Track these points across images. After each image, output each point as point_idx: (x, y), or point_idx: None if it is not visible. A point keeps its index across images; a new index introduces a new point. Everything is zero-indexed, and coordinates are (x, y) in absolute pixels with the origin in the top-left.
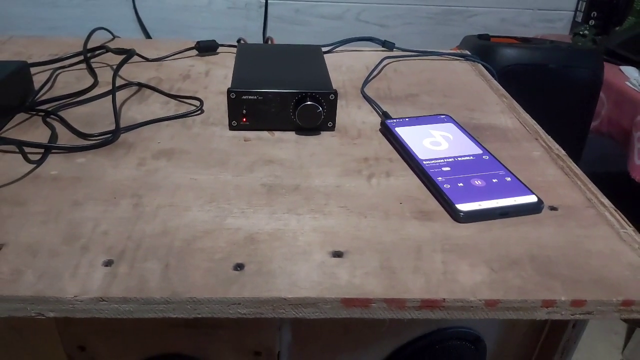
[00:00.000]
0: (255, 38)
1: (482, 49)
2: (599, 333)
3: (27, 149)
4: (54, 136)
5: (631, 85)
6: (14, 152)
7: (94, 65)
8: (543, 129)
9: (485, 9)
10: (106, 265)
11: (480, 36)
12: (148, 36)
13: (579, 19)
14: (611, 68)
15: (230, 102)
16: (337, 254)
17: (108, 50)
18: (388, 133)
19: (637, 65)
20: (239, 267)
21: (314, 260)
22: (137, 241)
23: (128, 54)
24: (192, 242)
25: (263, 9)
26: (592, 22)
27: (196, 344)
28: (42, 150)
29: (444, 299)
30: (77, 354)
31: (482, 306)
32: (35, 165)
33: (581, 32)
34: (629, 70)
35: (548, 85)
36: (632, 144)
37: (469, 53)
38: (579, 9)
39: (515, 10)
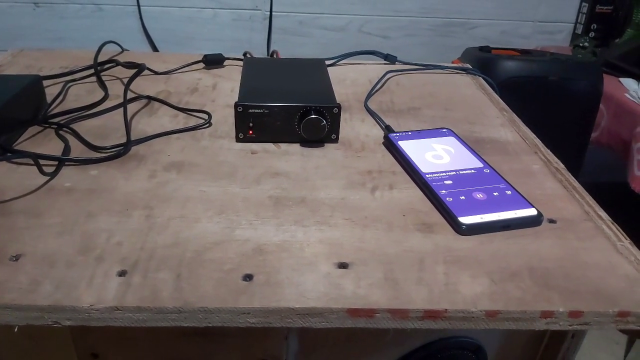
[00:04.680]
0: (260, 49)
1: (482, 61)
2: (601, 343)
3: (41, 161)
4: (67, 149)
5: (630, 97)
6: (29, 164)
7: (104, 78)
8: (543, 140)
9: (486, 21)
10: (120, 276)
11: (481, 48)
12: (154, 48)
13: (579, 31)
14: (611, 80)
15: (237, 115)
16: (343, 265)
17: (118, 64)
18: (391, 146)
19: (636, 77)
20: (248, 277)
21: (320, 271)
22: (150, 252)
23: (139, 69)
24: (202, 253)
25: (267, 21)
26: (592, 34)
27: (205, 352)
28: (56, 163)
29: (446, 309)
30: None
31: (483, 317)
32: (49, 177)
33: (581, 44)
34: (628, 82)
35: (548, 97)
36: (631, 155)
37: (470, 66)
38: (579, 21)
39: (516, 23)
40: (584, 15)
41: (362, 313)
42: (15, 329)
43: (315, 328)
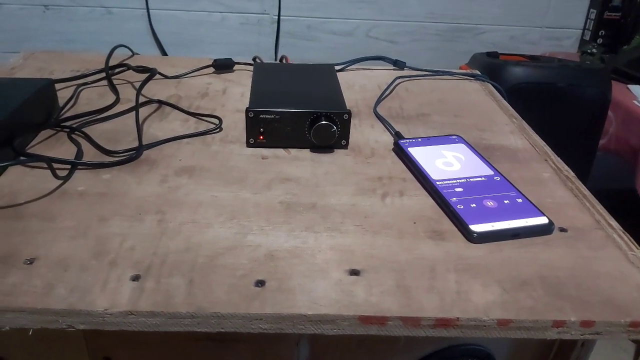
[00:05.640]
0: (268, 53)
1: (490, 67)
2: (608, 351)
3: (54, 165)
4: (79, 152)
5: (639, 104)
6: (42, 167)
7: (115, 82)
8: (552, 146)
9: (494, 26)
10: (134, 280)
11: (489, 54)
12: (163, 50)
13: (587, 38)
14: (619, 87)
15: (248, 120)
16: (354, 272)
17: (129, 68)
18: (401, 153)
19: None
20: (260, 283)
21: (332, 278)
22: (162, 257)
23: (151, 73)
24: (214, 259)
25: (275, 25)
26: (600, 41)
27: (217, 357)
28: (68, 166)
29: (458, 318)
30: None
31: (495, 325)
32: (62, 181)
33: (589, 51)
34: (636, 89)
35: (557, 104)
36: (639, 161)
37: (479, 73)
38: (587, 27)
39: (524, 28)
40: (592, 22)
41: (373, 320)
42: (30, 332)
43: (326, 334)
